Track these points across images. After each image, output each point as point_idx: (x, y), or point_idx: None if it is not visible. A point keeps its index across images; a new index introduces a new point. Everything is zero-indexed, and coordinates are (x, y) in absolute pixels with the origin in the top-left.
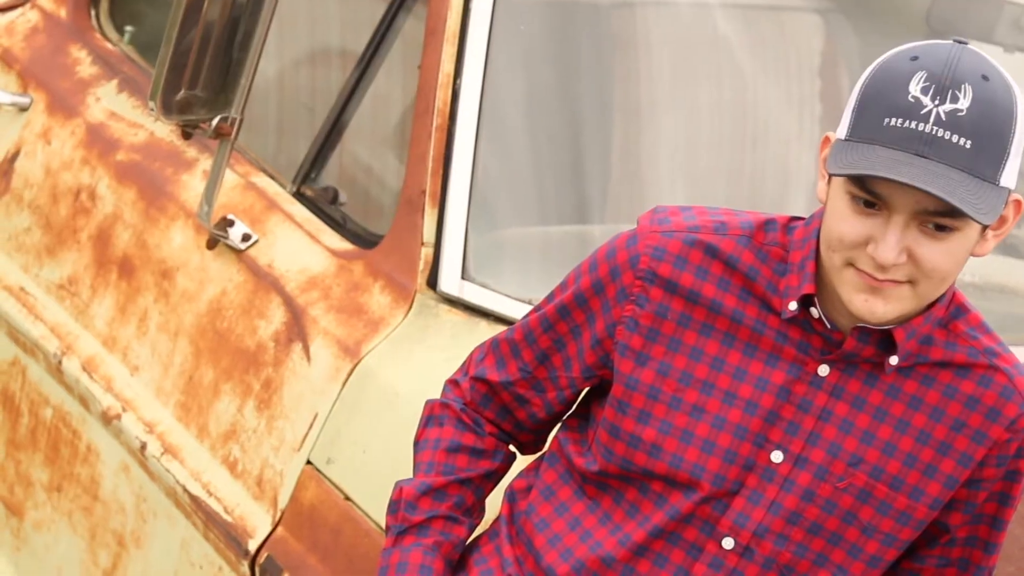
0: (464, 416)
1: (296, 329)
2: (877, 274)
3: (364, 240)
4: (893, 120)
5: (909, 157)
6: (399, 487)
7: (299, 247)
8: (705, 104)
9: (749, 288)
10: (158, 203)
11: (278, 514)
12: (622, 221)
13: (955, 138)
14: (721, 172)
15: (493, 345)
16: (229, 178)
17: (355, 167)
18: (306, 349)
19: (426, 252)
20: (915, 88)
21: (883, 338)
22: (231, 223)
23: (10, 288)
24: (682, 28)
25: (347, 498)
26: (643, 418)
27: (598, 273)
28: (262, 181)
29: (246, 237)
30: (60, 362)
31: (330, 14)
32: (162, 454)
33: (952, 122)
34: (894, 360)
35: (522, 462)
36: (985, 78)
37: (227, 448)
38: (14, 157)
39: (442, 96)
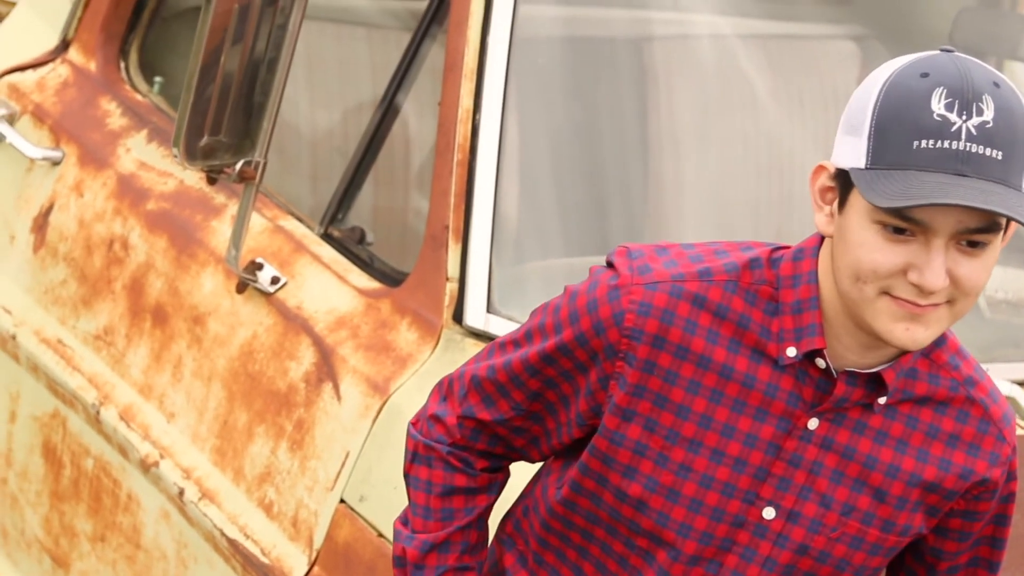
0: (452, 459)
1: (326, 369)
2: (920, 300)
3: (391, 278)
4: (924, 142)
5: (950, 178)
6: (401, 544)
7: (327, 288)
8: (733, 136)
9: (739, 338)
10: (189, 250)
11: (314, 554)
12: None
13: (988, 151)
14: (750, 203)
15: (473, 383)
16: (257, 222)
17: (382, 205)
18: (336, 388)
19: (451, 287)
20: (938, 105)
21: (870, 379)
22: (260, 266)
23: (48, 341)
24: (701, 61)
25: (380, 535)
26: (629, 473)
27: (580, 327)
28: (290, 224)
29: (275, 280)
30: (98, 412)
31: (359, 56)
32: (200, 499)
33: (983, 135)
34: (882, 400)
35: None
36: (996, 85)
37: (262, 490)
38: (48, 211)
39: (462, 131)
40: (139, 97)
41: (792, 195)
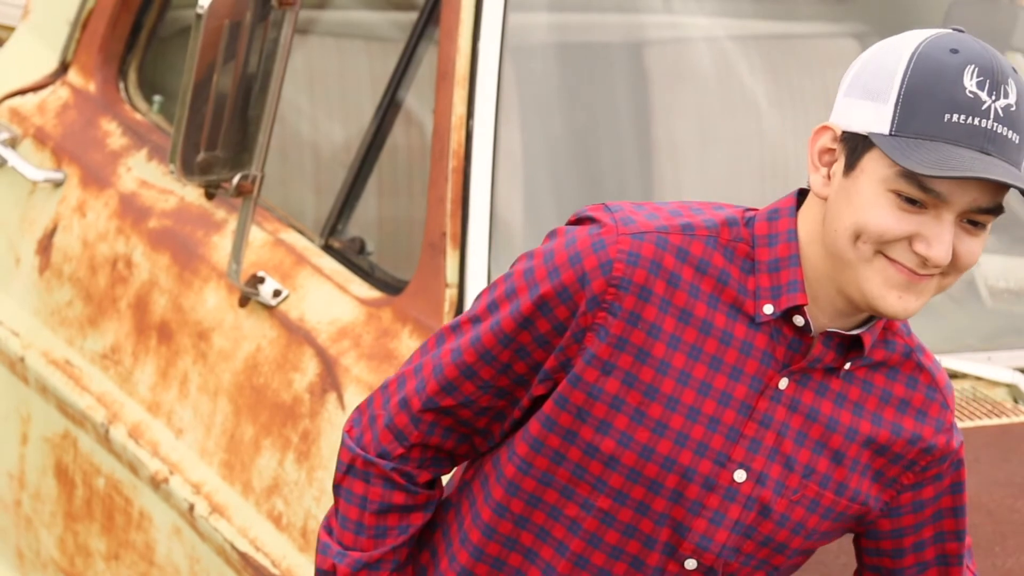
0: (395, 475)
1: (330, 379)
2: (920, 269)
3: (392, 287)
4: (956, 116)
5: (977, 155)
6: (331, 560)
7: (329, 298)
8: (731, 138)
9: (719, 294)
10: (191, 266)
11: None
12: None
13: (1010, 133)
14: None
15: (434, 373)
16: (258, 236)
17: (381, 215)
18: (340, 398)
19: (451, 293)
20: (970, 83)
21: (844, 341)
22: (261, 280)
23: (56, 362)
24: (696, 64)
25: None
26: (603, 428)
27: (562, 280)
28: (291, 237)
29: (277, 293)
30: (108, 431)
31: (359, 68)
32: (210, 513)
33: (1008, 118)
34: (848, 366)
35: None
36: (1014, 70)
37: (271, 503)
38: (52, 233)
39: (456, 138)
40: (139, 116)
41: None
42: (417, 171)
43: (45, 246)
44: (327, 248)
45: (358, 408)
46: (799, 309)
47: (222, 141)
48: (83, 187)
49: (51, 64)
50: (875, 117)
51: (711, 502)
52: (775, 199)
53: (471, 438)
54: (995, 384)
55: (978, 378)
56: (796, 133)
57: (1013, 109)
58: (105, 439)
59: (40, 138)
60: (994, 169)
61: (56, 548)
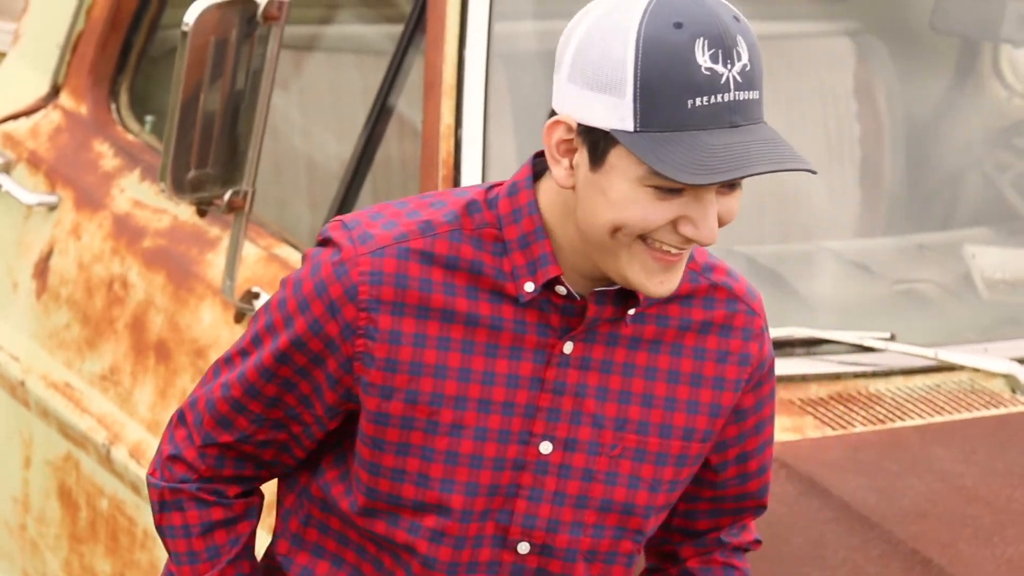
0: (202, 494)
1: None
2: (683, 247)
3: None
4: (698, 100)
5: (729, 133)
6: None
7: None
8: None
9: (476, 284)
10: (186, 284)
11: None
12: None
13: (751, 94)
14: (759, 200)
15: (208, 408)
16: (252, 251)
17: None
18: None
19: None
20: (703, 58)
21: (619, 294)
22: (256, 295)
23: (56, 385)
24: None
25: None
26: (402, 450)
27: (313, 313)
28: (284, 251)
29: None
30: (109, 452)
31: (351, 82)
32: None
33: (746, 80)
34: (632, 312)
35: None
36: (736, 19)
37: (272, 517)
38: (48, 256)
39: (445, 148)
40: (131, 137)
41: (797, 194)
42: (409, 181)
43: (41, 270)
44: None
45: (156, 451)
46: (557, 279)
47: (212, 158)
48: (77, 209)
49: (42, 88)
50: (615, 113)
51: (525, 480)
52: (774, 201)
53: (261, 474)
54: (992, 375)
55: (975, 370)
56: (792, 134)
57: (748, 69)
58: (107, 460)
59: (34, 162)
60: (750, 155)
61: (62, 570)
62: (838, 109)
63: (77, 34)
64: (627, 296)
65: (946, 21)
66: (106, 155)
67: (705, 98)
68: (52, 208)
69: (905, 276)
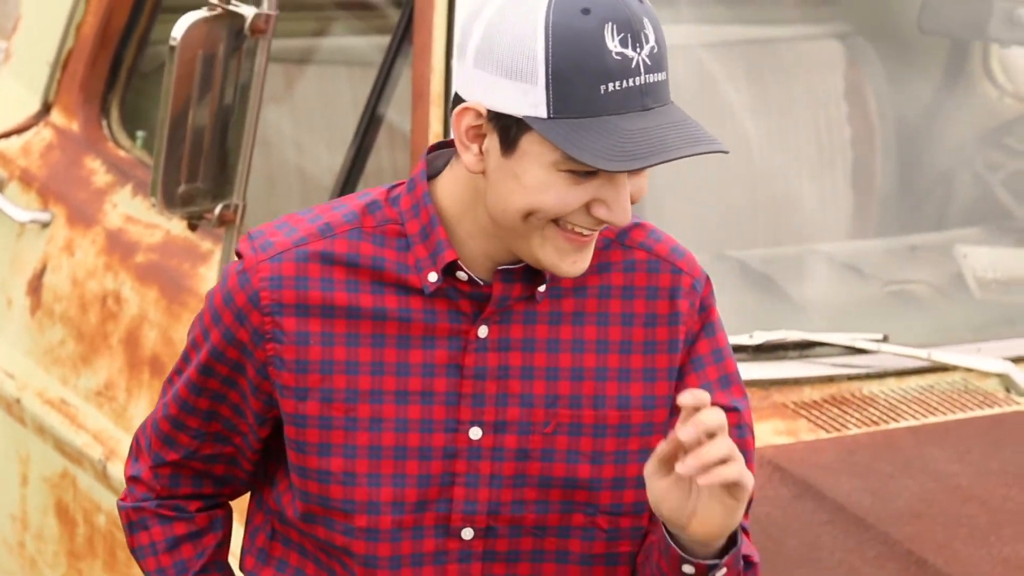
0: (162, 510)
1: None
2: (596, 228)
3: None
4: (611, 85)
5: (642, 116)
6: None
7: None
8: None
9: (380, 279)
10: (179, 299)
11: None
12: None
13: (659, 75)
14: (747, 209)
15: (153, 429)
16: None
17: None
18: None
19: None
20: (613, 44)
21: (526, 271)
22: None
23: (52, 402)
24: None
25: None
26: (324, 451)
27: (224, 323)
28: None
29: None
30: (105, 467)
31: (341, 92)
32: None
33: (654, 62)
34: (542, 288)
35: None
36: (640, 0)
37: None
38: (41, 273)
39: None
40: (122, 153)
41: (789, 198)
42: None
43: (35, 287)
44: None
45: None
46: (456, 265)
47: (202, 172)
48: (70, 226)
49: (33, 106)
50: (527, 100)
51: (459, 468)
52: (765, 205)
53: (222, 490)
54: (986, 375)
55: (969, 370)
56: (783, 137)
57: (656, 50)
58: (103, 476)
59: (26, 180)
60: (667, 139)
61: None
62: (829, 112)
63: (67, 51)
64: (535, 273)
65: (934, 22)
66: (98, 171)
67: (617, 83)
68: (45, 225)
69: (897, 277)
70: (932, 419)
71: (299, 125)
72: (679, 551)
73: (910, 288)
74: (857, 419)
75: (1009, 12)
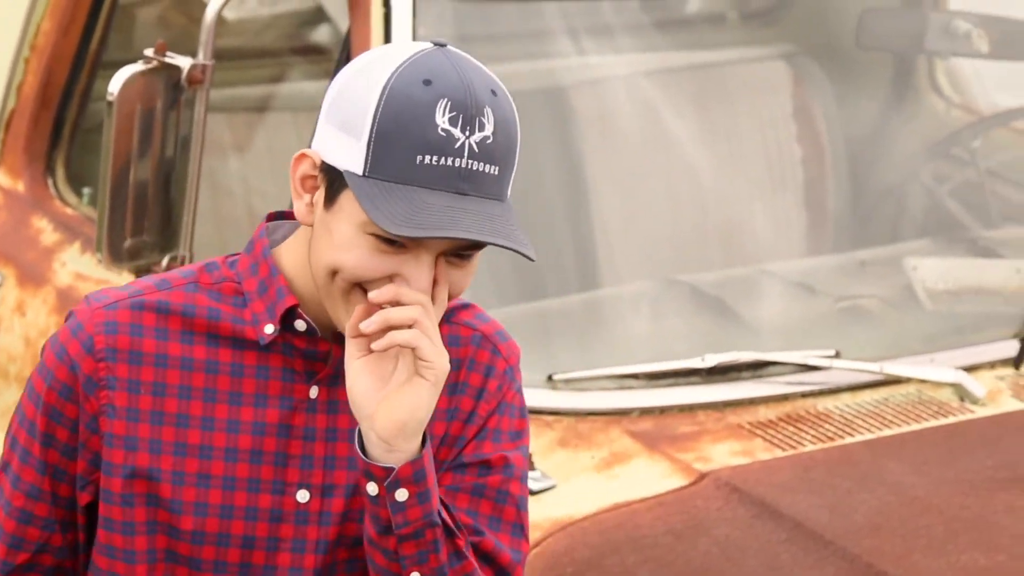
0: None
1: None
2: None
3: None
4: (428, 158)
5: (452, 198)
6: None
7: None
8: (662, 172)
9: (215, 331)
10: None
11: None
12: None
13: (487, 168)
14: (701, 229)
15: None
16: None
17: None
18: None
19: None
20: (442, 119)
21: None
22: None
23: None
24: (619, 103)
25: None
26: (152, 502)
27: (57, 378)
28: None
29: None
30: None
31: (287, 138)
32: None
33: (483, 152)
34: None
35: None
36: (494, 93)
37: None
38: None
39: None
40: (69, 210)
41: (740, 220)
42: None
43: None
44: None
45: None
46: (295, 312)
47: (147, 225)
48: (20, 286)
49: None
50: (350, 155)
51: (286, 532)
52: (717, 229)
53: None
54: (939, 385)
55: (922, 381)
56: (733, 161)
57: (489, 142)
58: None
59: None
60: (465, 221)
61: None
62: (778, 132)
63: (9, 112)
64: None
65: (871, 38)
66: (45, 230)
67: (435, 157)
68: None
69: (848, 293)
70: (887, 432)
71: (246, 173)
72: (364, 458)
73: (861, 303)
74: (813, 436)
75: (945, 24)
